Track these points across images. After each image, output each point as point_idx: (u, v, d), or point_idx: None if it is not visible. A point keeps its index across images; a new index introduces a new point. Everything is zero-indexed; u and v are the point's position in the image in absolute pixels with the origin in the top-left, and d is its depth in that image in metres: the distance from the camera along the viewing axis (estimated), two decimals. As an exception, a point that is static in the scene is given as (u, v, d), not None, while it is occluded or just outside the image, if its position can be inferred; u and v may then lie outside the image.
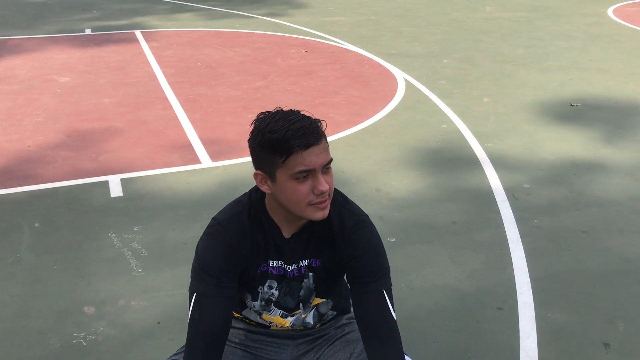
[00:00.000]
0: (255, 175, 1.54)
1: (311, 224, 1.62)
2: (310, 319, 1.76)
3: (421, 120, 5.06)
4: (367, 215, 1.65)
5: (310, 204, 1.49)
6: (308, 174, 1.46)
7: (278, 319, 1.74)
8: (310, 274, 1.67)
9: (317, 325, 1.82)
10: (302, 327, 1.78)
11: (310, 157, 1.44)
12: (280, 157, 1.44)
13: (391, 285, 1.62)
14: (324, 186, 1.47)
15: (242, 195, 1.66)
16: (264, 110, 1.53)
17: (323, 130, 1.49)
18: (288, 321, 1.74)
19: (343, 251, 1.61)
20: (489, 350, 2.44)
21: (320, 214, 1.51)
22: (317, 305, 1.76)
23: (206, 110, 5.24)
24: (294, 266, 1.65)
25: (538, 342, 2.48)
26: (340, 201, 1.63)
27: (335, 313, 1.83)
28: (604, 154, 4.41)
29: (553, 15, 9.69)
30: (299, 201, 1.48)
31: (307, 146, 1.43)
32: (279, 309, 1.72)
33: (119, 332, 2.51)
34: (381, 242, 1.64)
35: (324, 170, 1.49)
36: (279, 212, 1.58)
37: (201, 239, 1.62)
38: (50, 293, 2.77)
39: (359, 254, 1.59)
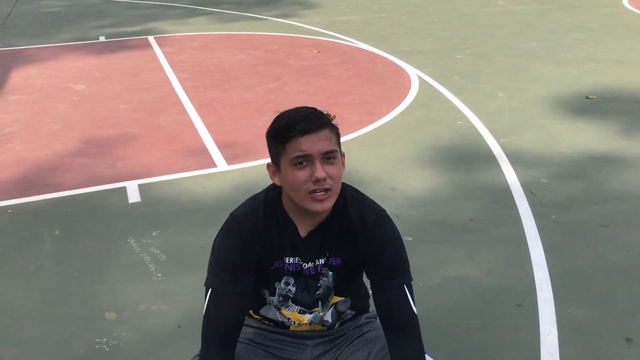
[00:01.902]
0: (268, 167, 1.60)
1: (328, 222, 1.63)
2: (328, 317, 1.78)
3: (435, 118, 5.05)
4: (385, 211, 1.68)
5: (309, 193, 1.51)
6: (306, 160, 1.49)
7: (296, 315, 1.76)
8: (330, 273, 1.69)
9: (336, 325, 1.82)
10: (320, 326, 1.79)
11: (306, 143, 1.48)
12: (281, 144, 1.50)
13: (411, 279, 1.65)
14: (320, 173, 1.48)
15: (259, 192, 1.70)
16: (278, 112, 1.57)
17: (331, 122, 1.54)
18: (306, 318, 1.76)
19: (364, 248, 1.63)
20: (509, 348, 2.43)
21: (318, 206, 1.52)
22: (335, 304, 1.77)
23: (220, 114, 5.27)
24: (310, 264, 1.67)
25: (559, 338, 2.47)
26: (358, 199, 1.66)
27: (353, 313, 1.84)
28: (622, 147, 4.37)
29: (567, 7, 9.59)
30: (298, 188, 1.51)
31: (304, 132, 1.48)
32: (297, 305, 1.74)
33: (140, 337, 2.54)
34: (401, 238, 1.67)
35: (325, 159, 1.51)
36: (294, 208, 1.61)
37: (218, 235, 1.67)
38: (71, 300, 2.81)
39: (381, 249, 1.62)
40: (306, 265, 1.68)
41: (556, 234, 3.26)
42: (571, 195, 3.68)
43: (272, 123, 1.56)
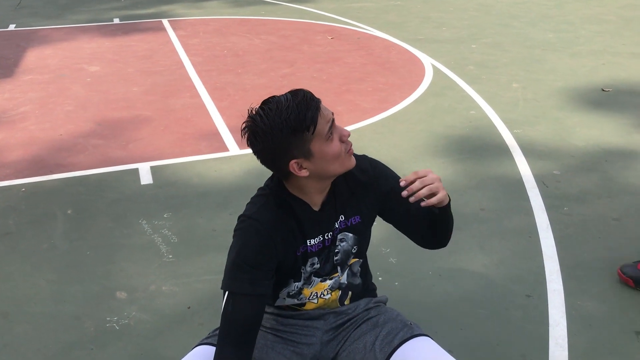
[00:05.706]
0: (291, 166, 1.56)
1: (333, 185, 1.70)
2: (344, 279, 1.83)
3: (449, 107, 5.02)
4: (365, 154, 1.82)
5: (346, 153, 1.61)
6: (332, 129, 1.57)
7: (319, 285, 1.79)
8: (351, 235, 1.75)
9: (347, 300, 1.85)
10: (335, 292, 1.83)
11: (326, 113, 1.57)
12: (308, 131, 1.53)
13: None
14: (346, 130, 1.61)
15: (259, 189, 1.71)
16: (244, 122, 1.58)
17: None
18: (327, 284, 1.80)
19: (376, 190, 1.74)
20: (517, 338, 2.43)
21: (354, 159, 1.65)
22: (350, 265, 1.83)
23: (233, 98, 5.27)
24: (331, 232, 1.72)
25: (568, 330, 2.47)
26: None
27: (360, 281, 1.88)
28: (637, 140, 4.33)
29: (584, -2, 9.48)
30: (340, 155, 1.59)
31: (319, 108, 1.56)
32: (318, 277, 1.77)
33: (150, 317, 2.56)
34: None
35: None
36: (310, 187, 1.64)
37: (234, 237, 1.65)
38: (83, 278, 2.84)
39: (391, 182, 1.76)
40: (328, 236, 1.72)
41: (568, 226, 3.25)
42: (584, 188, 3.66)
43: (277, 128, 1.50)
